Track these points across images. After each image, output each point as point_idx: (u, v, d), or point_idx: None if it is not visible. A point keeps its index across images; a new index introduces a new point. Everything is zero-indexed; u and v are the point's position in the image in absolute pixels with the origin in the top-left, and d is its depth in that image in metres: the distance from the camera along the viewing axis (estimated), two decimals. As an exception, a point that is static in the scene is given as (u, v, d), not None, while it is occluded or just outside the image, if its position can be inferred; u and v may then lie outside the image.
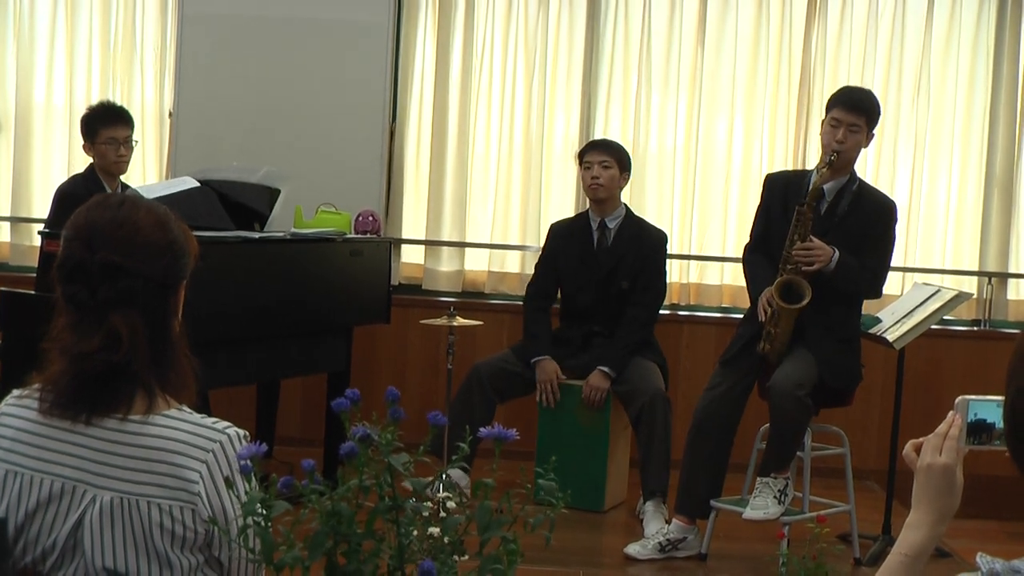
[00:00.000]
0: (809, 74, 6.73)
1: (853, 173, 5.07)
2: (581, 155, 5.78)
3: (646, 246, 5.74)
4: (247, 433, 2.11)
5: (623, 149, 5.83)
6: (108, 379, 2.04)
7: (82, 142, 5.54)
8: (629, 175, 5.80)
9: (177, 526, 2.03)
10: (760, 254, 5.13)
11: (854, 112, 4.93)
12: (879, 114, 5.09)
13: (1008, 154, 6.77)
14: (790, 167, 6.61)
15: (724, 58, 6.79)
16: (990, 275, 6.79)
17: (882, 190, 5.52)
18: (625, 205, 5.86)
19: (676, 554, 5.01)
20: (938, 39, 6.74)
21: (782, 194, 5.08)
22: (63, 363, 2.06)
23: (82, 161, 5.77)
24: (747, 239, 5.33)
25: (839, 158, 4.91)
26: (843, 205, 5.00)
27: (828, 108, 5.02)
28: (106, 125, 5.43)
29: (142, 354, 2.05)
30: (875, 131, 5.10)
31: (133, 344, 2.04)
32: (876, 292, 5.15)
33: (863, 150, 5.13)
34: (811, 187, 4.92)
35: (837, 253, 4.88)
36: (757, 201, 5.31)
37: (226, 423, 2.10)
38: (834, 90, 6.64)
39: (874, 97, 5.15)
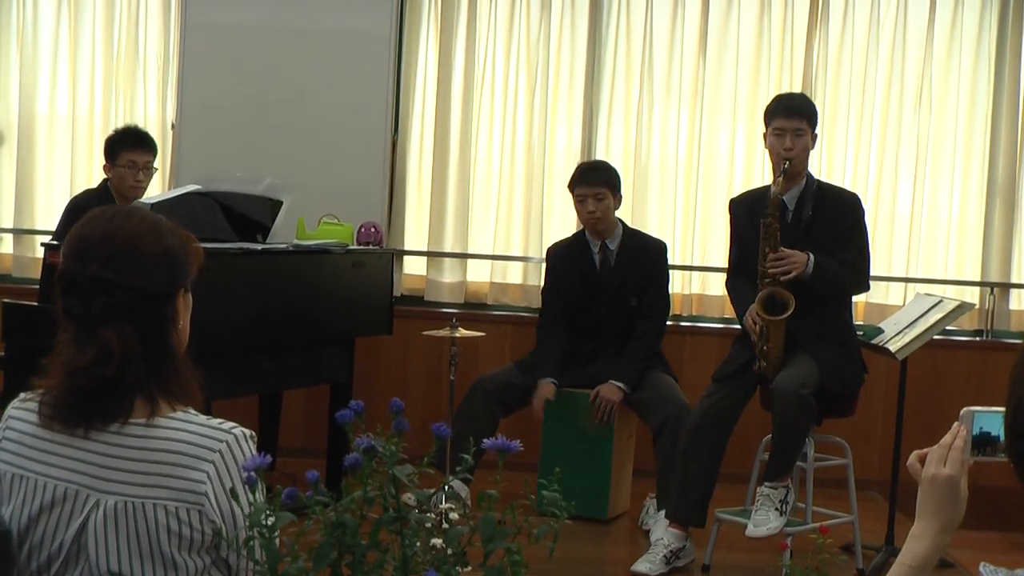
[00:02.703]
0: (811, 84, 6.73)
1: (809, 176, 5.08)
2: (571, 187, 5.69)
3: (649, 260, 5.72)
4: (253, 433, 2.11)
5: (611, 171, 5.74)
6: (103, 392, 2.05)
7: (103, 162, 5.55)
8: (621, 194, 5.73)
9: (184, 528, 2.03)
10: (741, 278, 5.14)
11: (795, 117, 4.96)
12: (817, 114, 5.12)
13: (1010, 164, 6.77)
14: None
15: (726, 69, 6.80)
16: (992, 285, 6.79)
17: (853, 191, 5.50)
18: (620, 221, 5.80)
19: (677, 563, 5.01)
20: (939, 49, 6.75)
21: (749, 214, 5.08)
22: (60, 376, 2.07)
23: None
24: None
25: (792, 165, 4.92)
26: (807, 210, 5.01)
27: (768, 120, 5.03)
28: (128, 148, 5.45)
29: (136, 367, 2.05)
30: (818, 131, 5.12)
31: (125, 358, 2.04)
32: (862, 286, 5.16)
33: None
34: (770, 198, 4.94)
35: (811, 257, 4.88)
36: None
37: (232, 423, 2.10)
38: (836, 100, 6.70)
39: (809, 99, 5.24)
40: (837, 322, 5.07)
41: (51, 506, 2.07)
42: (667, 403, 5.47)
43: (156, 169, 5.64)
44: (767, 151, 5.09)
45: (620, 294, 5.69)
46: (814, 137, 5.05)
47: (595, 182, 5.61)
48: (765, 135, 5.05)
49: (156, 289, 2.10)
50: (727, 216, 6.66)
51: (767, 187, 5.18)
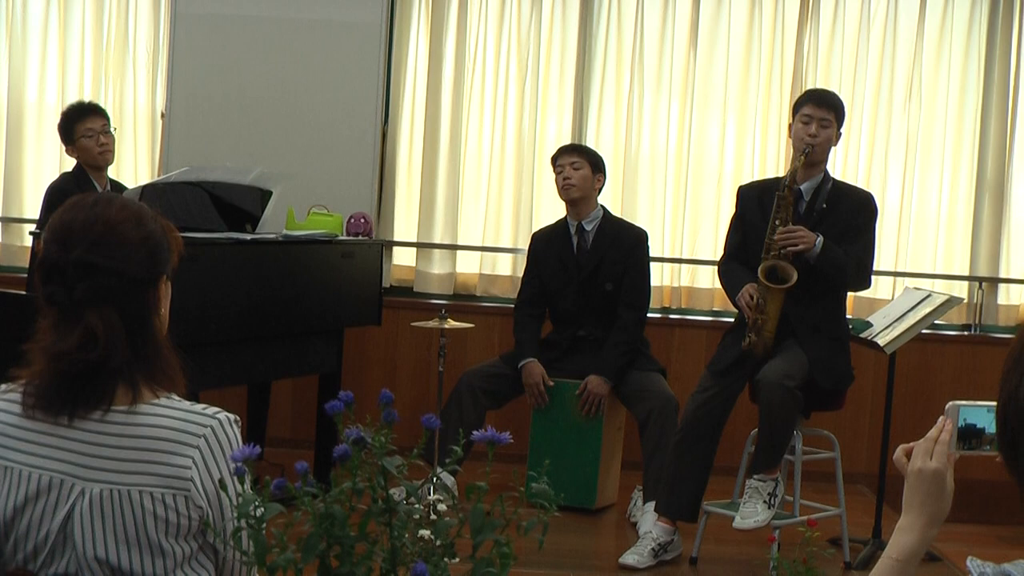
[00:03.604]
0: (801, 77, 6.74)
1: (826, 172, 5.10)
2: (553, 161, 5.83)
3: (626, 244, 5.75)
4: (238, 417, 2.11)
5: (595, 152, 5.89)
6: (88, 378, 2.04)
7: (64, 147, 5.54)
8: (604, 177, 5.82)
9: (171, 514, 2.03)
10: (737, 263, 5.15)
11: (824, 107, 5.01)
12: (845, 113, 5.16)
13: (999, 158, 6.78)
14: (783, 171, 6.64)
15: (716, 61, 6.80)
16: (981, 280, 6.81)
17: (868, 190, 5.53)
18: (602, 207, 5.86)
19: (665, 557, 5.02)
20: (930, 43, 6.76)
21: (758, 202, 5.09)
22: (43, 363, 2.06)
23: (73, 161, 5.75)
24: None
25: (813, 152, 4.95)
26: (820, 202, 5.03)
27: (797, 107, 5.09)
28: (80, 119, 5.44)
29: (121, 351, 2.05)
30: (843, 131, 5.15)
31: (110, 342, 2.03)
32: (864, 281, 5.15)
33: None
34: (788, 173, 4.98)
35: (821, 238, 4.90)
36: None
37: (216, 408, 2.10)
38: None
39: (840, 98, 5.22)
40: (834, 317, 5.09)
41: (36, 496, 2.06)
42: (652, 395, 5.49)
43: (115, 129, 5.65)
44: (791, 140, 5.10)
45: (595, 278, 5.72)
46: (839, 135, 5.09)
47: (573, 152, 5.78)
48: (791, 126, 5.08)
49: (139, 274, 2.10)
50: (717, 205, 6.76)
51: (778, 178, 5.21)
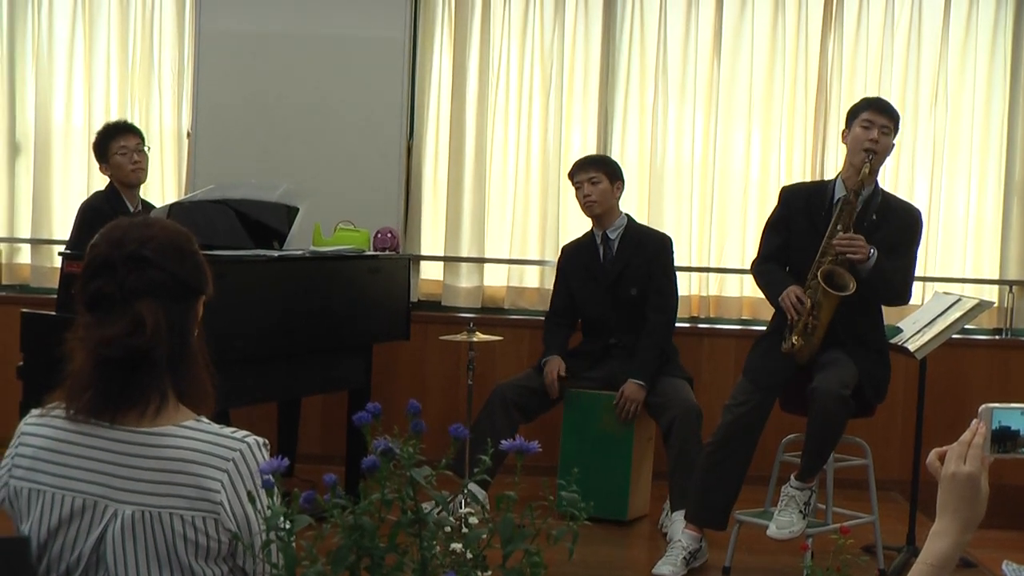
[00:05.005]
0: (826, 83, 6.72)
1: (877, 183, 5.06)
2: (570, 177, 5.85)
3: (650, 250, 5.77)
4: (267, 441, 2.12)
5: (609, 160, 5.94)
6: (131, 369, 2.05)
7: (98, 165, 5.62)
8: (623, 183, 5.84)
9: (200, 537, 2.03)
10: (775, 264, 5.10)
11: (884, 114, 4.96)
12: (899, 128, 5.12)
13: (1027, 161, 6.74)
14: (808, 177, 6.61)
15: (740, 69, 6.78)
16: (1011, 283, 6.76)
17: (915, 205, 5.47)
18: (627, 215, 5.89)
19: (694, 564, 4.99)
20: (955, 46, 6.73)
21: (805, 206, 5.05)
22: (84, 354, 2.07)
23: (101, 182, 5.81)
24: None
25: (874, 159, 4.91)
26: (871, 214, 4.98)
27: (857, 112, 5.00)
28: (115, 137, 5.55)
29: (164, 346, 2.06)
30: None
31: (157, 331, 2.05)
32: (906, 298, 5.12)
33: (885, 161, 5.13)
34: (859, 179, 4.89)
35: (875, 252, 4.85)
36: (776, 213, 5.29)
37: (245, 432, 2.10)
38: (851, 99, 6.64)
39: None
40: (876, 330, 5.06)
41: (70, 519, 2.07)
42: (675, 403, 5.49)
43: (149, 148, 5.76)
44: (846, 145, 5.04)
45: (620, 283, 5.75)
46: (892, 146, 5.05)
47: (589, 167, 5.80)
48: (844, 132, 5.03)
49: (187, 278, 2.13)
50: (744, 213, 6.73)
51: (824, 182, 5.18)
